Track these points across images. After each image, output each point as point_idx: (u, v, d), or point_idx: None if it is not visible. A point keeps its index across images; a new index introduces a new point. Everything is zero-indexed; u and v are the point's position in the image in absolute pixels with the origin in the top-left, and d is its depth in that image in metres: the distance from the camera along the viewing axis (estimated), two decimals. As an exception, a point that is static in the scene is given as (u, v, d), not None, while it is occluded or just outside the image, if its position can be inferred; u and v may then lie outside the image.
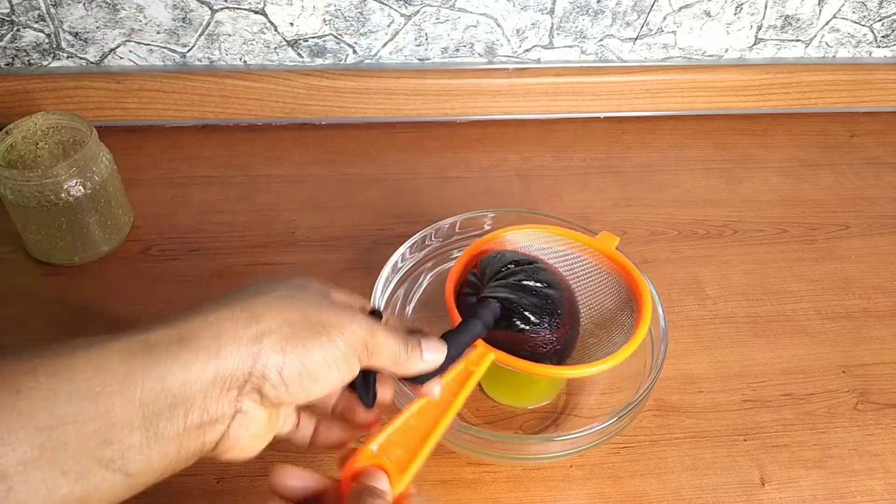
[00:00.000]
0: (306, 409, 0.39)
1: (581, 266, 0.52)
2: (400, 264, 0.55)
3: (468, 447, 0.46)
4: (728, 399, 0.55)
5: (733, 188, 0.74)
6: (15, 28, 0.70)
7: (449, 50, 0.76)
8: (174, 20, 0.71)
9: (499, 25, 0.75)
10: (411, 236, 0.55)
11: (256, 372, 0.31)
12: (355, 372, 0.35)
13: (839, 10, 0.78)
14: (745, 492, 0.50)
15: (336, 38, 0.74)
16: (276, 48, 0.74)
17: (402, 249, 0.55)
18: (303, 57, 0.75)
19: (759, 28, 0.79)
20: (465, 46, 0.76)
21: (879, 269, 0.66)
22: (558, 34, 0.76)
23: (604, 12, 0.75)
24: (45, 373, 0.28)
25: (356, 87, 0.75)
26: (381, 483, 0.35)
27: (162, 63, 0.74)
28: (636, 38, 0.78)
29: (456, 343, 0.41)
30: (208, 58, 0.74)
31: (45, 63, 0.73)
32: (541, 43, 0.77)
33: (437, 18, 0.73)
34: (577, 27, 0.76)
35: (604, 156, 0.77)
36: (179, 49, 0.73)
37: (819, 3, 0.77)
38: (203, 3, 0.70)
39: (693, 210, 0.71)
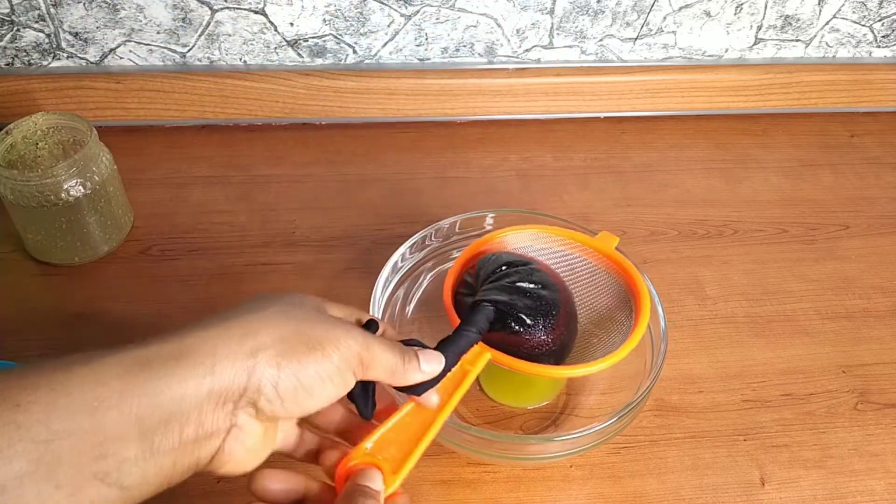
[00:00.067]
0: (309, 426, 0.39)
1: (581, 266, 0.52)
2: (400, 264, 0.55)
3: (468, 447, 0.46)
4: (728, 399, 0.55)
5: (733, 188, 0.74)
6: (15, 28, 0.70)
7: (449, 50, 0.76)
8: (174, 20, 0.71)
9: (499, 25, 0.75)
10: (411, 236, 0.55)
11: (252, 386, 0.32)
12: (350, 385, 0.36)
13: (839, 10, 0.78)
14: (745, 492, 0.50)
15: (336, 38, 0.74)
16: (276, 48, 0.74)
17: (402, 249, 0.55)
18: (303, 57, 0.75)
19: (759, 28, 0.79)
20: (465, 46, 0.76)
21: (879, 269, 0.66)
22: (558, 34, 0.76)
23: (604, 12, 0.75)
24: (43, 387, 0.28)
25: (356, 87, 0.75)
26: (375, 481, 0.35)
27: (162, 63, 0.74)
28: (636, 38, 0.78)
29: (452, 352, 0.41)
30: (208, 58, 0.74)
31: (45, 63, 0.73)
32: (541, 43, 0.77)
33: (437, 18, 0.73)
34: (577, 27, 0.76)
35: (604, 156, 0.77)
36: (179, 49, 0.73)
37: (819, 3, 0.77)
38: (203, 3, 0.70)
39: (693, 210, 0.71)
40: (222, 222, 0.67)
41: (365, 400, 0.38)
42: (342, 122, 0.78)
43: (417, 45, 0.76)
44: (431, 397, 0.39)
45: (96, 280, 0.61)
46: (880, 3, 0.78)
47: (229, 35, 0.73)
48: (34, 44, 0.72)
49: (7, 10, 0.69)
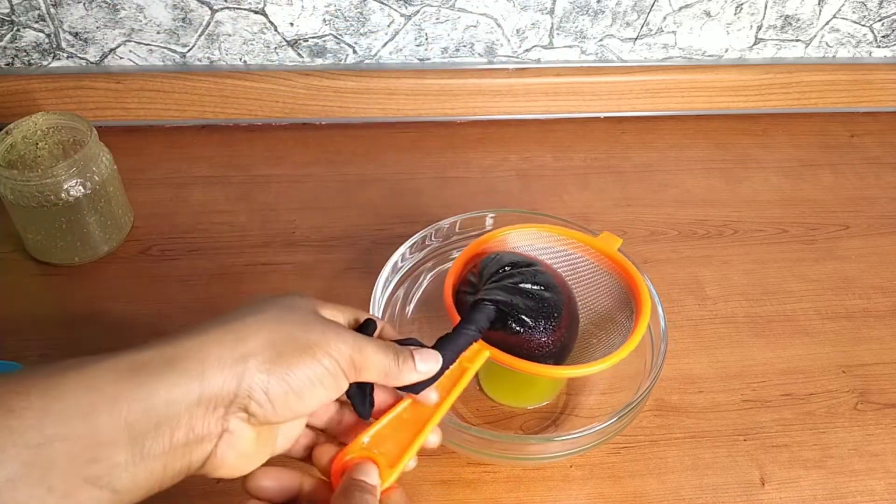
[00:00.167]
0: (311, 428, 0.39)
1: (583, 266, 0.52)
2: (400, 264, 0.55)
3: (468, 447, 0.46)
4: (728, 399, 0.55)
5: (733, 188, 0.74)
6: (15, 28, 0.70)
7: (449, 50, 0.76)
8: (174, 20, 0.71)
9: (499, 25, 0.75)
10: (411, 236, 0.55)
11: (242, 392, 0.32)
12: (343, 388, 0.36)
13: (839, 10, 0.78)
14: (745, 492, 0.50)
15: (336, 38, 0.74)
16: (276, 48, 0.74)
17: (402, 249, 0.55)
18: (303, 57, 0.75)
19: (759, 28, 0.79)
20: (465, 46, 0.76)
21: (879, 269, 0.66)
22: (558, 34, 0.76)
23: (604, 12, 0.75)
24: (37, 392, 0.28)
25: (356, 87, 0.75)
26: (372, 476, 0.35)
27: (162, 63, 0.74)
28: (636, 38, 0.78)
29: (450, 350, 0.41)
30: (208, 58, 0.74)
31: (45, 63, 0.73)
32: (541, 43, 0.77)
33: (437, 18, 0.73)
34: (577, 27, 0.76)
35: (604, 156, 0.77)
36: (179, 49, 0.73)
37: (819, 3, 0.77)
38: (203, 3, 0.70)
39: (693, 210, 0.71)
40: (222, 222, 0.67)
41: (362, 400, 0.38)
42: (342, 122, 0.78)
43: (417, 45, 0.76)
44: (430, 395, 0.39)
45: (96, 280, 0.61)
46: (880, 3, 0.78)
47: (229, 35, 0.73)
48: (34, 44, 0.72)
49: (7, 10, 0.69)
